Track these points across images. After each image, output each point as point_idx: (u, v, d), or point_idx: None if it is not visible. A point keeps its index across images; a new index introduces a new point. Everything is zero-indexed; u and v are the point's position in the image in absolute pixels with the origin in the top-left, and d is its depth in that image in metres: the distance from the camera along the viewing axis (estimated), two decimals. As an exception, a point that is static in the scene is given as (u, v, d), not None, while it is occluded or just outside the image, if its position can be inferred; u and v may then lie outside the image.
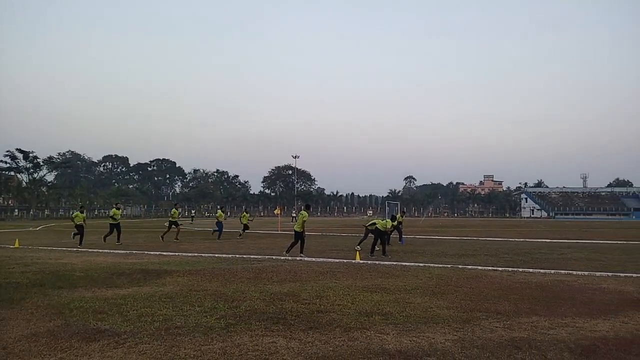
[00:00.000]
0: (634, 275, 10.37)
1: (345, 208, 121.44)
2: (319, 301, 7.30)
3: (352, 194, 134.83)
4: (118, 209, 19.79)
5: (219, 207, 28.02)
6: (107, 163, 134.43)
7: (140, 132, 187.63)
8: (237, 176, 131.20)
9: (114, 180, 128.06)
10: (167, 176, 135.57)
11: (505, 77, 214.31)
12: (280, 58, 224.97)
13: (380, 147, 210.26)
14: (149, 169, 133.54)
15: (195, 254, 14.66)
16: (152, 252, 15.35)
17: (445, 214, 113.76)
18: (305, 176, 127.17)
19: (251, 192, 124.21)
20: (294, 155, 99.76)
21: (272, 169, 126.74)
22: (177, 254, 14.89)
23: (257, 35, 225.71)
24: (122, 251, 15.73)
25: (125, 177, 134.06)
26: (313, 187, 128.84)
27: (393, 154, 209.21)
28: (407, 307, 6.95)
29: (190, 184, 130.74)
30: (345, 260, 12.87)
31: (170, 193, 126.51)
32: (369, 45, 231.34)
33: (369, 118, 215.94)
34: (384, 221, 14.67)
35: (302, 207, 15.70)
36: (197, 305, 6.99)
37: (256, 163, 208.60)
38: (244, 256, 14.08)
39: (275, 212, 36.61)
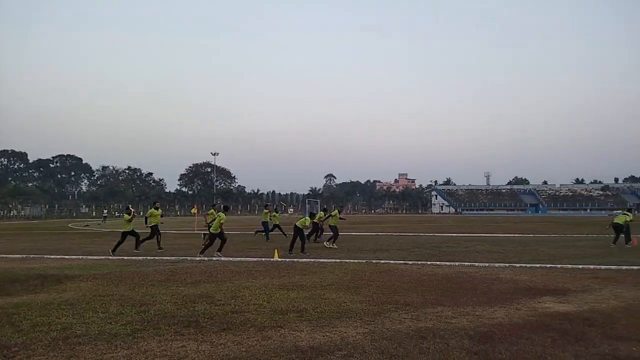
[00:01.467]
0: (527, 265, 11.38)
1: (266, 206, 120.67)
2: (234, 301, 7.17)
3: (274, 191, 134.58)
4: (157, 209, 16.65)
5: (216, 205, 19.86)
6: (3, 159, 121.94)
7: (40, 126, 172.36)
8: (151, 173, 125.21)
9: (10, 178, 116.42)
10: (72, 173, 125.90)
11: (419, 81, 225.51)
12: (191, 52, 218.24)
13: (302, 146, 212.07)
14: (51, 165, 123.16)
15: (102, 257, 13.76)
16: (52, 256, 14.16)
17: (363, 211, 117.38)
18: (225, 174, 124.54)
19: (167, 190, 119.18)
20: (213, 153, 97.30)
21: (190, 167, 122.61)
22: (81, 257, 13.88)
23: (152, 23, 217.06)
24: (19, 255, 14.34)
25: (24, 174, 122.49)
26: (233, 185, 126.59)
27: (315, 153, 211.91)
28: (322, 303, 7.04)
29: (99, 182, 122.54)
30: (263, 259, 12.78)
31: (76, 192, 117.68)
32: (289, 43, 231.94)
33: (291, 116, 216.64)
34: (303, 219, 14.83)
35: (220, 208, 15.28)
36: (100, 311, 6.55)
37: (172, 160, 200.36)
38: (156, 258, 13.47)
39: (192, 211, 35.48)
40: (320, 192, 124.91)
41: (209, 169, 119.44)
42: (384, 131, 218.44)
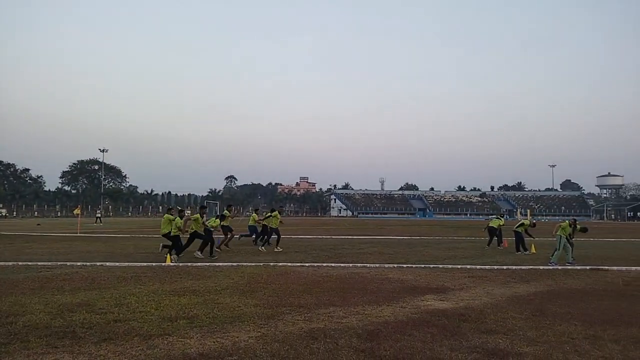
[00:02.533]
0: (414, 266, 12.17)
1: (160, 208, 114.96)
2: (117, 310, 6.69)
3: (169, 192, 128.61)
4: (182, 217, 14.25)
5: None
6: None
7: None
8: (27, 169, 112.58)
9: None
10: None
11: (322, 83, 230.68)
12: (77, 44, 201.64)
13: (202, 146, 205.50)
14: None
15: (-38, 263, 12.06)
16: None
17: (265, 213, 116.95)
18: (115, 172, 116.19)
19: (46, 188, 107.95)
20: (102, 149, 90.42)
21: (74, 163, 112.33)
22: None
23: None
24: None
25: None
26: (124, 184, 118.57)
27: (215, 154, 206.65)
28: (214, 308, 6.86)
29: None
30: (154, 264, 12.13)
31: None
32: (185, 45, 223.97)
33: (192, 115, 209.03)
34: (212, 219, 14.53)
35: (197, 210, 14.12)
36: (-45, 325, 5.72)
37: (54, 156, 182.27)
38: (29, 263, 12.13)
39: (75, 212, 32.60)
40: (220, 193, 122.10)
41: (97, 167, 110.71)
42: (286, 134, 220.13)
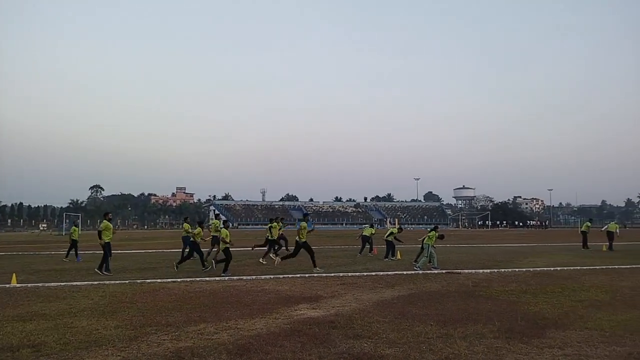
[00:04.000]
0: (289, 276, 12.31)
1: (10, 221, 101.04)
2: (-60, 343, 5.65)
3: (21, 204, 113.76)
4: (227, 227, 14.08)
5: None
6: None
7: None
8: None
9: None
10: None
11: (198, 89, 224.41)
12: None
13: (62, 152, 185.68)
14: None
15: None
16: None
17: (135, 226, 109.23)
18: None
19: None
20: None
21: None
22: None
23: None
24: None
25: None
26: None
27: (80, 161, 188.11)
28: (67, 332, 6.16)
29: None
30: (-5, 285, 10.54)
31: None
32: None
33: (45, 117, 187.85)
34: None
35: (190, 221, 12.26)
36: None
37: None
38: None
39: None
40: (83, 204, 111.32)
41: None
42: (160, 142, 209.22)
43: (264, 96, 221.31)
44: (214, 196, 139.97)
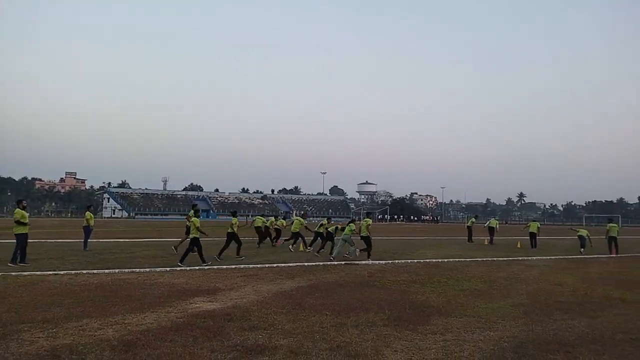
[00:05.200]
0: (187, 268, 11.85)
1: None
2: None
3: None
4: (235, 215, 15.27)
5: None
6: None
7: None
8: None
9: None
10: None
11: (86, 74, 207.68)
12: None
13: None
14: None
15: None
16: None
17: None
18: None
19: None
20: None
21: None
22: None
23: None
24: None
25: None
26: None
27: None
28: None
29: None
30: None
31: None
32: None
33: None
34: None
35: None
36: None
37: None
38: None
39: None
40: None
41: None
42: (46, 121, 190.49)
43: (165, 78, 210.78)
44: (109, 183, 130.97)
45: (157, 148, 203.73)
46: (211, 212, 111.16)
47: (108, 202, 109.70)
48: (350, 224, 15.30)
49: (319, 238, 17.45)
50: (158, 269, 11.51)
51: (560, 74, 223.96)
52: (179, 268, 11.75)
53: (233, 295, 8.22)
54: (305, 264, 13.32)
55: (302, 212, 22.48)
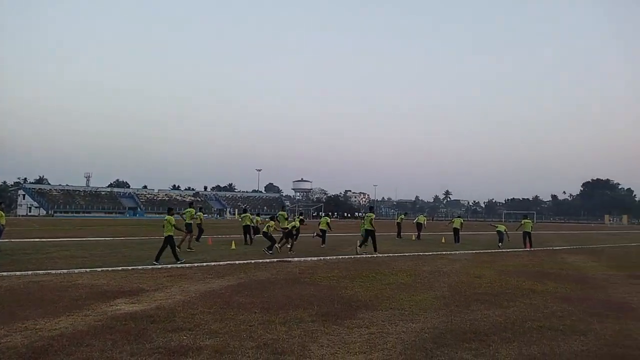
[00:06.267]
0: (110, 269, 11.27)
1: None
2: None
3: None
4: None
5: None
6: None
7: None
8: None
9: None
10: None
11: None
12: None
13: None
14: None
15: None
16: None
17: None
18: None
19: None
20: None
21: None
22: None
23: None
24: None
25: None
26: None
27: None
28: None
29: None
30: None
31: None
32: None
33: None
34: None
35: None
36: None
37: None
38: None
39: None
40: None
41: None
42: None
43: (86, 69, 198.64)
44: (25, 179, 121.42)
45: (79, 142, 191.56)
46: (139, 209, 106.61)
47: (23, 199, 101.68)
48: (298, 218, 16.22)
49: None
50: (77, 270, 10.83)
51: (485, 78, 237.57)
52: (100, 269, 11.15)
53: (158, 296, 7.93)
54: (237, 262, 13.13)
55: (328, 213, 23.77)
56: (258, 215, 23.96)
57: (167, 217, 13.04)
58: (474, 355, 5.03)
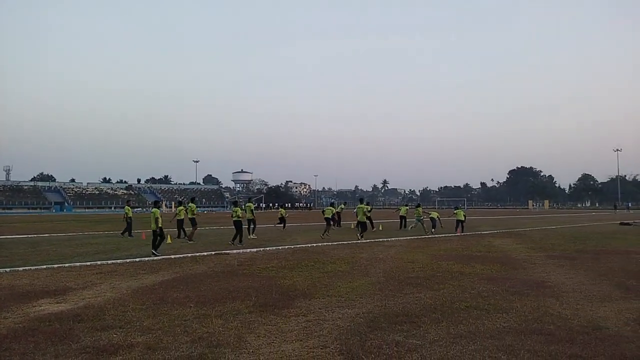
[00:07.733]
0: (32, 268, 10.60)
1: None
2: None
3: None
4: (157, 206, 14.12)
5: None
6: None
7: None
8: None
9: None
10: None
11: None
12: None
13: None
14: None
15: None
16: None
17: None
18: None
19: None
20: None
21: None
22: None
23: None
24: None
25: None
26: None
27: None
28: None
29: None
30: None
31: None
32: None
33: None
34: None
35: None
36: None
37: None
38: None
39: None
40: None
41: None
42: None
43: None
44: None
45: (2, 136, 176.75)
46: (66, 204, 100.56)
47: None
48: (418, 208, 22.27)
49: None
50: (-5, 271, 10.07)
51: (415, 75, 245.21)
52: (21, 268, 10.43)
53: (86, 295, 7.55)
54: (172, 256, 12.78)
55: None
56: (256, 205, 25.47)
57: (153, 209, 13.31)
58: (405, 337, 5.24)
